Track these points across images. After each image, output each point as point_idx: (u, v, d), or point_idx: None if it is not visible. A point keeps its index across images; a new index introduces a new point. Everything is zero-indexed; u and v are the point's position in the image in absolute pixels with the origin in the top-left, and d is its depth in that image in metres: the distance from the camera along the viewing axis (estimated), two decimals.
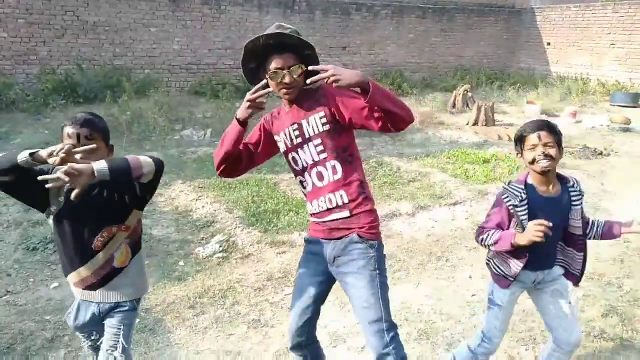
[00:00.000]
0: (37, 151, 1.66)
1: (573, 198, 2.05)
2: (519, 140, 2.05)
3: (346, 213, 1.89)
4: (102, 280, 1.89)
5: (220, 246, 3.97)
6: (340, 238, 1.90)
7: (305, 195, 2.02)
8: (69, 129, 1.78)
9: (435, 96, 11.70)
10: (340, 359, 2.69)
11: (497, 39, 15.23)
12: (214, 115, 8.81)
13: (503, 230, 2.06)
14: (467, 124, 9.25)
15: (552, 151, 1.96)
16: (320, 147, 1.89)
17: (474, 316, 3.09)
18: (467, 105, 10.53)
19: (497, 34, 15.21)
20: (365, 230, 1.88)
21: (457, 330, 2.94)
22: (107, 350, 1.91)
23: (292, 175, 2.07)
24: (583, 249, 2.13)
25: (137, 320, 2.73)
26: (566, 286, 2.16)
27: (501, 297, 2.18)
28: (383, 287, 1.85)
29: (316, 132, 1.88)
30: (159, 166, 1.78)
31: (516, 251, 2.03)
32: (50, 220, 1.88)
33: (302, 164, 1.94)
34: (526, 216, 2.01)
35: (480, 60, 15.00)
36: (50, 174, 1.58)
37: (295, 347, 2.07)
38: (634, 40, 12.35)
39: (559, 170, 2.09)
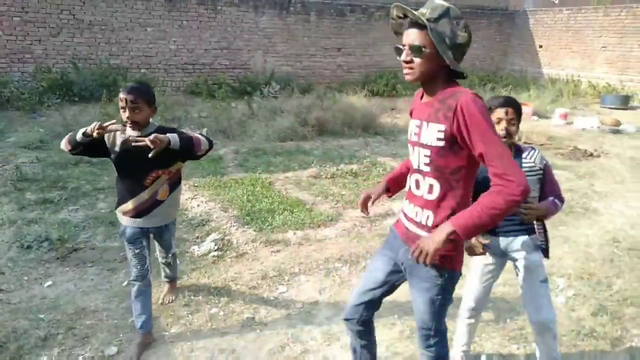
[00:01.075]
0: (86, 130, 2.41)
1: (524, 167, 2.18)
2: None
3: (425, 234, 1.76)
4: (147, 209, 2.62)
5: (215, 245, 3.99)
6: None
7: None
8: (121, 94, 2.40)
9: None
10: (335, 357, 2.71)
11: (490, 41, 15.33)
12: (210, 115, 8.82)
13: None
14: None
15: (513, 129, 2.17)
16: (427, 160, 1.71)
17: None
18: None
19: (490, 36, 15.31)
20: (439, 260, 1.72)
21: (450, 327, 2.96)
22: (164, 258, 3.07)
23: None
24: (540, 220, 2.23)
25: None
26: (538, 263, 2.22)
27: (472, 261, 2.39)
28: (442, 309, 1.86)
29: (429, 143, 1.69)
30: (211, 146, 2.60)
31: None
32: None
33: (412, 162, 1.82)
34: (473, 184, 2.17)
35: (473, 62, 15.09)
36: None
37: (348, 320, 2.09)
38: (624, 43, 12.48)
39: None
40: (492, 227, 1.93)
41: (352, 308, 2.07)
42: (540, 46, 14.69)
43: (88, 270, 3.58)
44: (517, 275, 2.30)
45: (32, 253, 3.77)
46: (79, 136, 2.45)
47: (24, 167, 5.66)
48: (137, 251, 2.66)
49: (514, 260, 2.28)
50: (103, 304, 3.16)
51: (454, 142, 1.64)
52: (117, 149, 2.51)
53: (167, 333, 2.87)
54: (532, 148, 2.26)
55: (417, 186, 1.80)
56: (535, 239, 2.24)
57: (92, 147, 2.51)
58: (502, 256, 2.32)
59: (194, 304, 3.19)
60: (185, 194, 5.10)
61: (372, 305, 2.05)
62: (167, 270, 3.17)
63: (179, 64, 11.25)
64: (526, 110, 10.27)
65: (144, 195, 2.58)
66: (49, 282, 3.40)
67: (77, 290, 3.32)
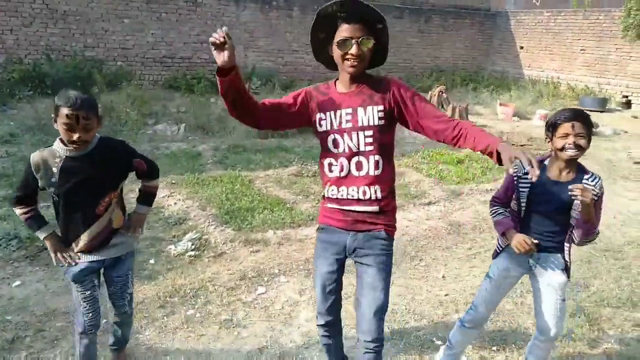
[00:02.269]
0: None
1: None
2: (552, 126, 2.11)
3: (375, 208, 1.92)
4: (103, 241, 2.15)
5: (192, 244, 3.89)
6: (363, 231, 1.94)
7: (329, 179, 1.97)
8: (66, 111, 1.91)
9: None
10: (314, 359, 2.66)
11: (472, 41, 15.46)
12: (188, 110, 8.66)
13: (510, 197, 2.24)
14: None
15: (582, 142, 2.05)
16: (370, 139, 1.87)
17: (446, 316, 3.11)
18: (442, 106, 10.64)
19: (472, 36, 15.44)
20: (390, 228, 1.96)
21: (430, 330, 2.95)
22: (118, 304, 2.32)
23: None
24: (570, 241, 2.18)
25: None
26: (563, 284, 2.20)
27: (494, 270, 2.31)
28: (389, 281, 2.00)
29: (370, 123, 1.86)
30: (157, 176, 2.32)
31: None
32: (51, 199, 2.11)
33: (344, 149, 1.91)
34: (526, 191, 2.15)
35: (456, 62, 15.20)
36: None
37: (322, 325, 2.14)
38: (602, 47, 12.72)
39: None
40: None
41: (326, 311, 2.10)
42: (521, 47, 14.88)
43: (58, 270, 3.43)
44: (537, 289, 2.24)
45: (0, 252, 3.62)
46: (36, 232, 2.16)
47: None
48: (87, 293, 2.15)
49: (538, 276, 2.23)
50: (73, 305, 3.03)
51: (391, 119, 1.89)
52: (54, 178, 2.00)
53: (141, 336, 2.78)
54: (596, 176, 2.13)
55: (360, 167, 1.90)
56: (560, 257, 2.20)
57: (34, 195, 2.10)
58: (525, 270, 2.26)
59: (170, 305, 3.09)
60: (162, 191, 4.97)
61: (338, 303, 2.13)
62: (118, 332, 2.43)
63: (157, 57, 11.01)
64: (507, 111, 10.39)
65: (98, 226, 2.10)
66: (18, 282, 3.26)
67: (47, 290, 3.20)
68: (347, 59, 1.82)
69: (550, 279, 2.19)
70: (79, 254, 2.14)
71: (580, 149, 2.05)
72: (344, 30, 1.80)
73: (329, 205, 2.01)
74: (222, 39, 1.72)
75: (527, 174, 2.08)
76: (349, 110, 1.89)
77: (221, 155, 6.52)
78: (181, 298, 3.18)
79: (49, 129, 6.88)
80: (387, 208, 1.94)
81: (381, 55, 1.93)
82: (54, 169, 2.00)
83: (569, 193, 1.96)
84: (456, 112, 9.28)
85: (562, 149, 2.06)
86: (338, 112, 1.90)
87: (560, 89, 13.17)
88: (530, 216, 2.18)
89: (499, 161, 1.63)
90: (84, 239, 2.11)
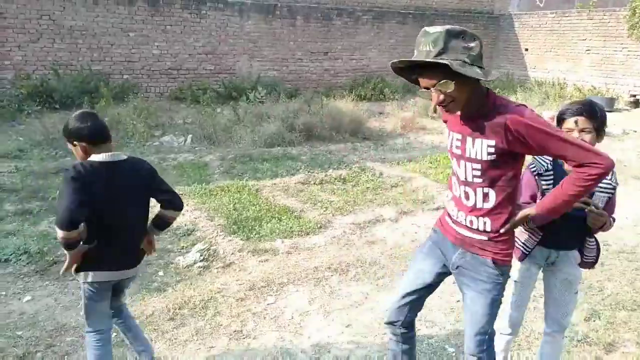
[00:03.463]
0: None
1: (600, 185, 2.05)
2: (558, 121, 2.09)
3: (484, 238, 1.80)
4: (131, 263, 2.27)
5: (201, 255, 3.88)
6: (471, 252, 1.84)
7: (450, 189, 1.93)
8: (84, 142, 2.10)
9: (417, 101, 11.76)
10: None
11: None
12: (195, 121, 8.70)
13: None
14: None
15: (587, 137, 1.97)
16: (478, 173, 1.74)
17: (458, 322, 3.07)
18: None
19: None
20: (501, 257, 1.80)
21: (442, 337, 2.91)
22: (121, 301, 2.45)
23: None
24: (594, 236, 2.16)
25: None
26: (578, 278, 2.21)
27: (517, 273, 2.24)
28: (498, 308, 1.88)
29: (478, 157, 1.71)
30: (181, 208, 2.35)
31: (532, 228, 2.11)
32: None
33: (456, 172, 1.84)
34: (550, 187, 2.05)
35: None
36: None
37: (390, 324, 2.08)
38: (608, 46, 12.64)
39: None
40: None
41: (396, 310, 2.06)
42: (526, 49, 14.82)
43: (69, 284, 3.45)
44: (553, 284, 2.24)
45: (10, 267, 3.63)
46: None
47: (1, 177, 5.50)
48: (104, 303, 2.27)
49: (555, 271, 2.22)
50: (83, 320, 3.03)
51: (506, 154, 1.68)
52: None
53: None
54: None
55: (467, 197, 1.80)
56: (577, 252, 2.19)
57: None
58: (544, 266, 2.25)
59: (179, 317, 3.08)
60: None
61: (416, 306, 2.05)
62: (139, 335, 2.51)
63: (162, 69, 11.10)
64: None
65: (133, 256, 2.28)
66: (28, 297, 3.27)
67: (57, 305, 3.20)
68: (439, 105, 1.70)
69: (569, 275, 2.19)
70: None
71: None
72: (420, 81, 1.70)
73: (446, 217, 1.95)
74: None
75: (548, 170, 2.07)
76: (459, 136, 1.77)
77: (228, 165, 6.53)
78: (191, 310, 3.16)
79: (57, 143, 6.94)
80: (497, 239, 1.79)
81: (474, 80, 1.64)
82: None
83: (577, 205, 1.91)
84: None
85: None
86: (452, 134, 1.81)
87: (566, 90, 13.09)
88: None
89: None
90: (115, 267, 2.23)
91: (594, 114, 2.01)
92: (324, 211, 4.90)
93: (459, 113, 1.76)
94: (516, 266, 2.27)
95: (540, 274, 2.30)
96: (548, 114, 10.11)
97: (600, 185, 2.05)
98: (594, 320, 3.10)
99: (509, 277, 1.88)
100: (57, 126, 7.67)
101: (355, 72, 13.45)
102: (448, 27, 1.64)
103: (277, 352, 2.76)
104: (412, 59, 1.66)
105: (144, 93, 10.54)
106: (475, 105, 1.70)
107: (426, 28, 1.66)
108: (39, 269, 3.63)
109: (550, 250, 2.17)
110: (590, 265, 2.22)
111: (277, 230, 4.37)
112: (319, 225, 4.52)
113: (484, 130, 1.67)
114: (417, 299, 2.03)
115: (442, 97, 1.65)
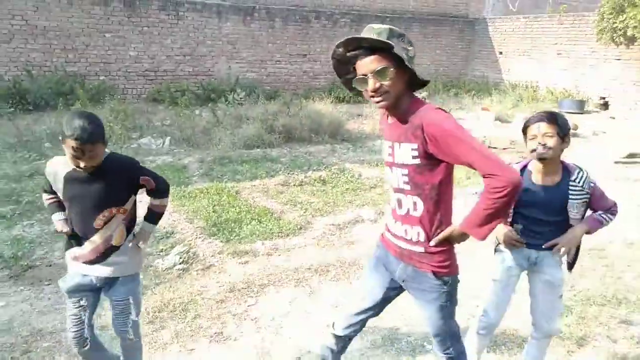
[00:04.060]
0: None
1: (571, 190, 2.12)
2: (523, 131, 2.18)
3: (421, 249, 1.79)
4: (101, 256, 2.11)
5: (180, 258, 3.86)
6: (412, 265, 1.84)
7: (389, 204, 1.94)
8: (73, 143, 1.88)
9: None
10: None
11: (452, 47, 15.69)
12: (173, 123, 8.62)
13: None
14: None
15: (550, 141, 2.05)
16: (406, 179, 1.74)
17: None
18: None
19: (452, 43, 15.67)
20: (440, 268, 1.79)
21: (421, 335, 2.96)
22: (120, 331, 2.22)
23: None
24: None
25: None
26: (559, 280, 2.24)
27: (497, 273, 2.31)
28: (451, 313, 1.90)
29: (405, 162, 1.72)
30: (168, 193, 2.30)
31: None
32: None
33: (390, 180, 1.84)
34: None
35: (437, 69, 15.39)
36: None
37: (339, 337, 2.08)
38: (578, 50, 13.01)
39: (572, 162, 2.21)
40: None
41: (347, 327, 2.05)
42: (500, 53, 15.15)
43: (44, 289, 3.39)
44: (535, 286, 2.29)
45: None
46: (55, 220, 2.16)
47: None
48: (74, 310, 2.15)
49: (537, 273, 2.27)
50: (61, 324, 2.98)
51: (429, 159, 1.67)
52: (60, 185, 2.06)
53: None
54: (581, 169, 2.16)
55: (400, 205, 1.81)
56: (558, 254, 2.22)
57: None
58: (526, 267, 2.29)
59: (159, 320, 3.06)
60: None
61: (363, 324, 2.07)
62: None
63: (139, 71, 10.96)
64: (488, 115, 10.55)
65: (96, 240, 2.09)
66: (2, 303, 3.20)
67: (32, 310, 3.14)
68: (372, 97, 1.70)
69: (549, 276, 2.23)
70: (76, 263, 2.14)
71: (549, 149, 2.07)
72: (358, 67, 1.70)
73: (387, 232, 1.95)
74: None
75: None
76: (389, 144, 1.79)
77: (207, 167, 6.50)
78: (170, 312, 3.15)
79: (31, 145, 6.80)
80: (433, 250, 1.77)
81: (413, 76, 1.70)
82: (61, 177, 2.05)
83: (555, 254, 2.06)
84: None
85: (533, 150, 2.11)
86: (385, 142, 1.83)
87: (539, 93, 13.42)
88: (520, 220, 2.21)
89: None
90: (80, 250, 2.11)
91: (555, 120, 2.09)
92: (304, 212, 4.93)
93: (390, 121, 1.79)
94: (497, 265, 2.32)
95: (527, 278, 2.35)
96: (521, 115, 10.36)
97: (572, 191, 2.12)
98: (566, 316, 3.20)
99: (459, 281, 1.87)
100: (31, 128, 7.52)
101: (334, 74, 13.31)
102: (391, 26, 1.70)
103: (258, 353, 2.77)
104: (366, 37, 1.65)
105: (121, 95, 10.40)
106: (403, 106, 1.72)
107: (371, 25, 1.70)
108: (13, 274, 3.55)
109: (530, 250, 2.22)
110: (569, 266, 2.28)
111: (257, 232, 4.37)
112: (298, 227, 4.54)
113: (408, 134, 1.69)
114: (370, 316, 2.04)
115: (378, 84, 1.65)
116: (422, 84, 1.74)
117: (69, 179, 2.04)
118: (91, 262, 2.12)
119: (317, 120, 8.63)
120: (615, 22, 10.84)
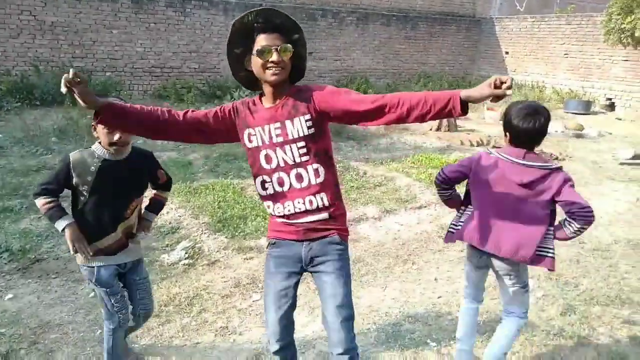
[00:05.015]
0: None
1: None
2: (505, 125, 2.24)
3: (326, 215, 1.90)
4: (124, 244, 2.27)
5: (185, 253, 3.89)
6: (317, 239, 1.91)
7: (265, 196, 1.94)
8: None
9: None
10: None
11: (458, 47, 15.66)
12: None
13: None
14: (431, 129, 9.45)
15: None
16: (304, 150, 1.85)
17: (440, 318, 3.15)
18: None
19: (458, 42, 15.64)
20: (343, 232, 1.95)
21: (424, 332, 2.99)
22: (147, 308, 2.46)
23: (255, 141, 1.95)
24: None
25: (100, 331, 2.65)
26: (522, 269, 2.28)
27: (466, 270, 2.48)
28: (350, 287, 1.97)
29: (300, 134, 1.84)
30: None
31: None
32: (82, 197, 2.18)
33: (278, 163, 1.87)
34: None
35: (442, 68, 15.38)
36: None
37: (278, 351, 2.03)
38: (585, 50, 12.97)
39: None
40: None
41: (280, 336, 1.99)
42: (507, 52, 15.10)
43: (52, 282, 3.43)
44: (497, 278, 2.36)
45: None
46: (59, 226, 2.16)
47: None
48: (118, 296, 2.28)
49: (495, 266, 2.31)
50: (68, 316, 3.03)
51: (320, 125, 1.86)
52: (90, 177, 2.12)
53: (136, 346, 2.78)
54: (552, 166, 2.16)
55: (300, 179, 1.88)
56: None
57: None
58: (487, 266, 2.37)
59: (165, 314, 3.10)
60: None
61: (291, 322, 2.04)
62: (138, 325, 2.60)
63: (146, 67, 11.01)
64: (493, 115, 10.53)
65: (121, 229, 2.23)
66: (10, 295, 3.24)
67: (40, 302, 3.18)
68: (269, 68, 1.79)
69: (501, 268, 2.28)
70: (102, 256, 2.21)
71: None
72: (262, 40, 1.79)
73: (280, 220, 1.95)
74: (67, 86, 1.58)
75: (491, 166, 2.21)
76: (278, 124, 1.86)
77: (212, 164, 6.53)
78: (176, 307, 3.18)
79: (38, 140, 6.84)
80: (336, 213, 1.92)
81: (299, 68, 1.92)
82: (92, 168, 2.12)
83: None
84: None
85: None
86: (267, 127, 1.87)
87: (545, 93, 13.39)
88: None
89: (464, 109, 1.61)
90: (108, 240, 2.20)
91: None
92: None
93: (265, 106, 1.89)
94: (466, 266, 2.43)
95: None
96: (490, 114, 10.37)
97: None
98: (570, 315, 3.21)
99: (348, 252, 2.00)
100: (38, 123, 7.57)
101: (339, 73, 13.53)
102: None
103: (262, 347, 2.80)
104: (287, 14, 1.83)
105: (127, 91, 10.46)
106: (286, 87, 1.88)
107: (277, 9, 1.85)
108: (21, 267, 3.59)
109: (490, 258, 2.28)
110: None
111: (262, 228, 4.39)
112: None
113: (298, 109, 1.84)
114: (289, 316, 2.01)
115: (280, 58, 1.77)
116: (297, 77, 1.94)
117: (102, 170, 2.13)
118: (115, 252, 2.24)
119: None
120: (623, 23, 10.78)
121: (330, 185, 1.91)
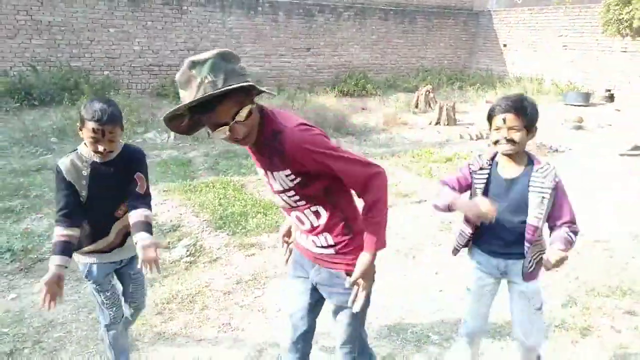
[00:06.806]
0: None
1: (531, 181, 1.94)
2: (488, 118, 2.00)
3: (332, 251, 1.78)
4: (121, 242, 2.25)
5: (187, 250, 3.90)
6: (325, 267, 1.82)
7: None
8: (92, 125, 1.95)
9: (399, 97, 11.92)
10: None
11: (456, 40, 15.62)
12: None
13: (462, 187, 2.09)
14: (430, 123, 9.45)
15: (516, 136, 1.89)
16: (296, 197, 1.69)
17: (441, 311, 3.16)
18: (430, 106, 10.76)
19: (456, 36, 15.60)
20: (352, 267, 1.73)
21: (426, 325, 3.00)
22: (141, 301, 2.46)
23: (259, 177, 1.95)
24: (532, 242, 2.00)
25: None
26: (536, 290, 2.09)
27: (470, 282, 2.21)
28: (363, 318, 1.89)
29: (286, 187, 1.67)
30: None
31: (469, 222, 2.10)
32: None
33: (282, 204, 1.78)
34: (482, 186, 2.03)
35: (441, 62, 15.35)
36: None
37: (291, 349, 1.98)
38: (584, 42, 12.93)
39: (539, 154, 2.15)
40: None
41: (293, 345, 1.95)
42: (505, 45, 15.07)
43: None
44: (511, 297, 2.15)
45: None
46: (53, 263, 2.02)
47: None
48: (108, 293, 2.26)
49: (511, 283, 2.13)
50: (71, 315, 3.04)
51: (307, 174, 1.61)
52: (85, 182, 2.08)
53: (139, 342, 2.79)
54: (548, 164, 1.98)
55: (302, 222, 1.77)
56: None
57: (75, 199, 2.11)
58: (499, 276, 2.15)
59: (167, 311, 3.11)
60: (155, 199, 4.97)
61: (309, 333, 1.98)
62: (131, 320, 2.58)
63: (144, 66, 10.99)
64: None
65: (116, 228, 2.21)
66: (13, 295, 3.25)
67: None
68: (235, 142, 1.57)
69: (524, 287, 2.07)
70: (96, 254, 2.21)
71: (515, 144, 1.90)
72: (213, 117, 1.52)
73: (298, 237, 1.92)
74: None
75: (482, 168, 2.03)
76: (262, 172, 1.73)
77: (212, 162, 6.54)
78: (179, 304, 3.19)
79: (37, 140, 6.85)
80: (344, 250, 1.76)
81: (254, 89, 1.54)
82: (84, 172, 2.08)
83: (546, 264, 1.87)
84: (443, 111, 9.38)
85: (496, 142, 1.95)
86: (261, 171, 1.74)
87: (544, 85, 13.36)
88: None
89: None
90: (102, 242, 2.20)
91: (523, 110, 1.89)
92: None
93: (254, 149, 1.68)
94: (471, 272, 2.21)
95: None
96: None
97: (533, 181, 1.95)
98: (571, 306, 3.22)
99: None
100: (37, 123, 7.57)
101: (337, 68, 13.50)
102: (216, 51, 1.49)
103: (265, 343, 2.81)
104: (199, 97, 1.44)
105: (126, 90, 10.44)
106: (260, 134, 1.59)
107: (191, 58, 1.48)
108: (23, 267, 3.60)
109: (498, 259, 2.09)
110: (530, 276, 2.05)
111: (263, 225, 4.41)
112: None
113: (274, 162, 1.61)
114: (308, 324, 1.95)
115: (236, 133, 1.51)
116: (260, 91, 1.56)
117: (93, 173, 2.09)
118: (112, 249, 2.23)
119: (322, 114, 8.65)
120: (622, 14, 10.74)
121: (337, 222, 1.73)
